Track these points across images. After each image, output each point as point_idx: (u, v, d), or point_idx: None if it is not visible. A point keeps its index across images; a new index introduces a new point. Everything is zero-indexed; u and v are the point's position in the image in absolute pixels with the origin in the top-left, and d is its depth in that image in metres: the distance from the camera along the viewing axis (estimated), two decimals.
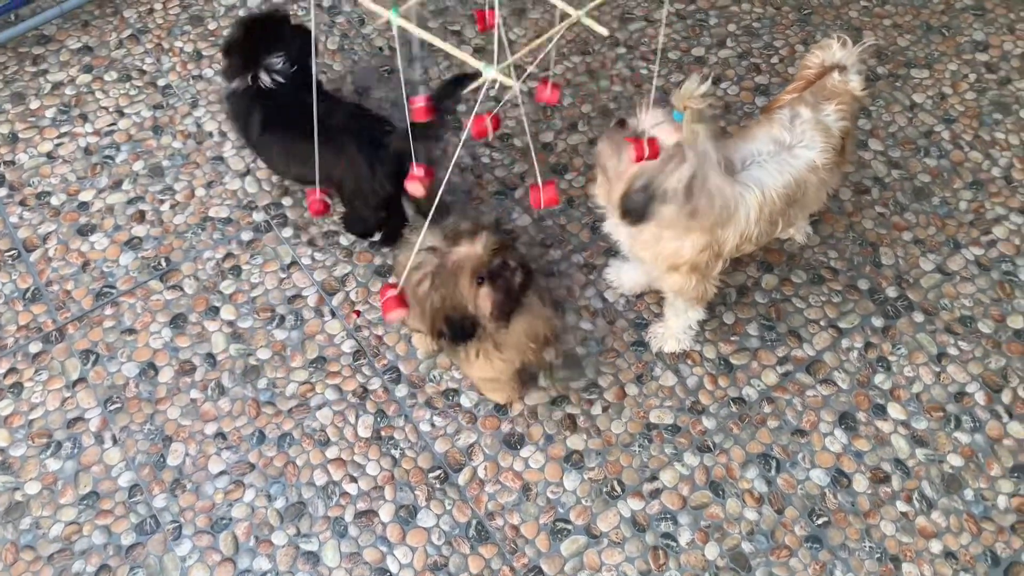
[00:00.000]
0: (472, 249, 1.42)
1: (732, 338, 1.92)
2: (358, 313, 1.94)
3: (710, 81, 1.39)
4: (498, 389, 1.78)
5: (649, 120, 1.42)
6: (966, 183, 2.16)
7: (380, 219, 1.97)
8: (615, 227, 1.66)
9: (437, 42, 1.00)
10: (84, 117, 2.25)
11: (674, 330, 1.86)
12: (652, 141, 1.34)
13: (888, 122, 2.27)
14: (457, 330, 1.47)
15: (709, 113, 1.47)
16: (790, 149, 1.57)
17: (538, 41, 1.06)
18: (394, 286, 1.33)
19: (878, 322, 1.95)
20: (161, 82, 2.32)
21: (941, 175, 2.18)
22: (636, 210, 1.46)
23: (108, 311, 1.95)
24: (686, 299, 1.72)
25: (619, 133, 1.46)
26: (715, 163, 1.41)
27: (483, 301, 1.44)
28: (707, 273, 1.63)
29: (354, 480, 1.74)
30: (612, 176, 1.49)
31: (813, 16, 2.48)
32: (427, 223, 1.30)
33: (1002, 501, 1.74)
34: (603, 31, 1.03)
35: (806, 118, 1.59)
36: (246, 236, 2.05)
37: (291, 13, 2.20)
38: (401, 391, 1.85)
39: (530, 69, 1.32)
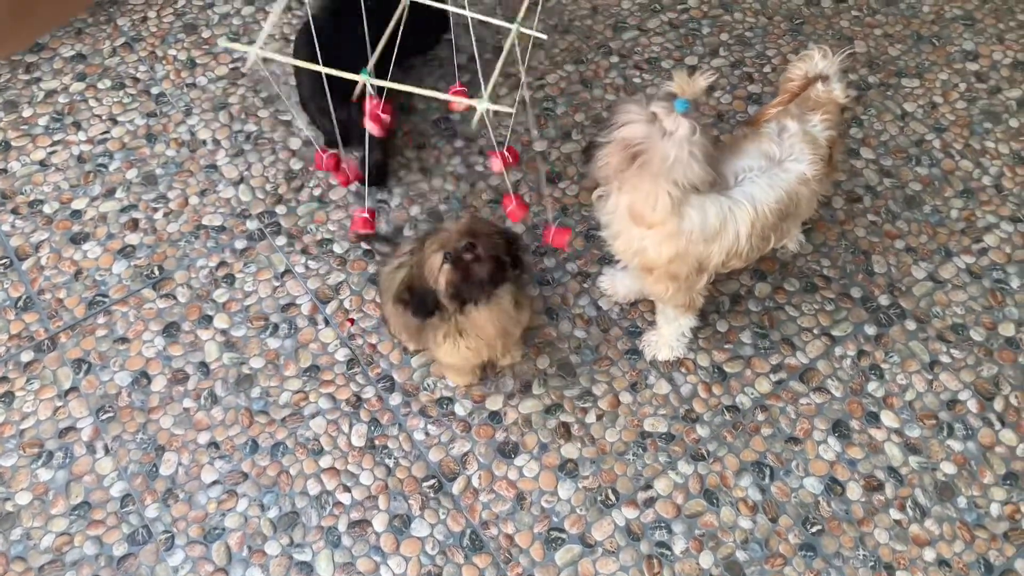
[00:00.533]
0: (449, 227, 1.47)
1: (726, 346, 1.93)
2: (352, 321, 1.94)
3: (712, 78, 1.44)
4: (458, 375, 1.82)
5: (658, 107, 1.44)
6: (957, 191, 2.18)
7: (330, 129, 1.85)
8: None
9: (415, 90, 1.06)
10: (77, 125, 2.25)
11: (667, 338, 1.86)
12: (511, 149, 1.41)
13: (880, 131, 2.28)
14: (418, 302, 1.51)
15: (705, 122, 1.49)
16: (780, 163, 1.58)
17: (500, 62, 1.11)
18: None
19: (871, 330, 1.95)
20: (155, 90, 2.32)
21: (932, 184, 2.19)
22: (588, 145, 1.55)
23: (101, 320, 1.94)
24: (672, 307, 1.73)
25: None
26: (670, 163, 1.41)
27: (442, 277, 1.48)
28: (689, 285, 1.63)
29: (348, 490, 1.74)
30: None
31: (805, 26, 2.50)
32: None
33: (995, 509, 1.74)
34: (543, 36, 1.09)
35: (793, 131, 1.59)
36: (240, 244, 2.05)
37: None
38: (395, 400, 1.84)
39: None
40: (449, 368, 1.80)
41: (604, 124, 1.50)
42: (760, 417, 1.84)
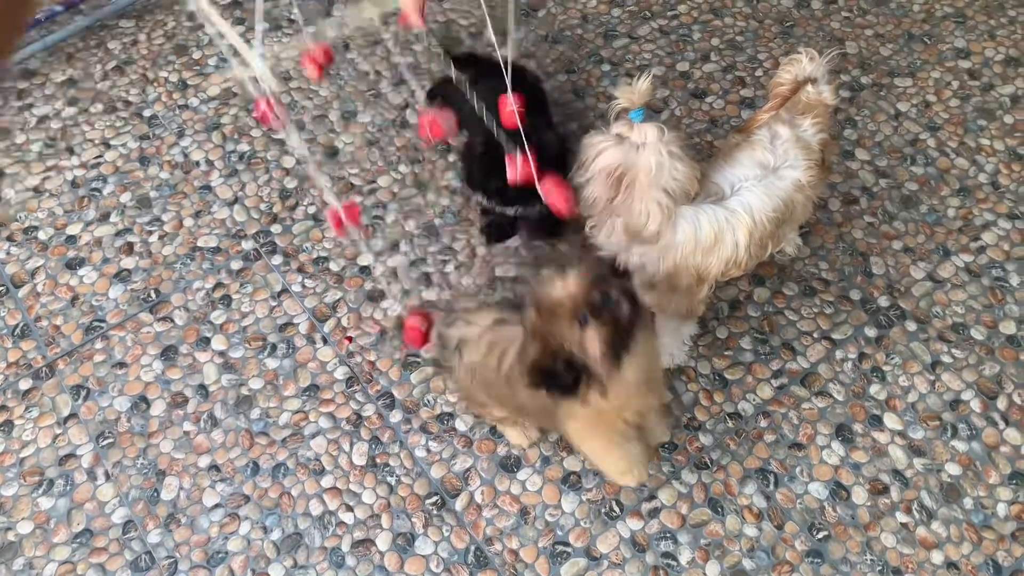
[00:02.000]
0: (565, 288, 1.18)
1: (726, 352, 1.92)
2: (350, 339, 1.93)
3: (651, 77, 1.44)
4: (627, 469, 1.56)
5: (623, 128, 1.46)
6: (953, 190, 2.17)
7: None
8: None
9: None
10: (70, 150, 2.24)
11: (668, 346, 1.85)
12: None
13: (874, 131, 2.28)
14: (555, 382, 1.24)
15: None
16: (775, 171, 1.57)
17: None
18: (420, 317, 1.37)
19: (871, 332, 1.95)
20: (147, 112, 2.32)
21: (928, 183, 2.18)
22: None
23: (98, 345, 1.93)
24: (675, 317, 1.72)
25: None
26: (655, 171, 1.41)
27: (591, 343, 1.20)
28: (690, 296, 1.63)
29: (350, 509, 1.73)
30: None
31: (795, 28, 2.50)
32: None
33: (1001, 509, 1.73)
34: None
35: (786, 137, 1.59)
36: (235, 265, 2.05)
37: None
38: (395, 417, 1.84)
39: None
40: (611, 465, 1.55)
41: (576, 164, 1.50)
42: (763, 423, 1.83)
